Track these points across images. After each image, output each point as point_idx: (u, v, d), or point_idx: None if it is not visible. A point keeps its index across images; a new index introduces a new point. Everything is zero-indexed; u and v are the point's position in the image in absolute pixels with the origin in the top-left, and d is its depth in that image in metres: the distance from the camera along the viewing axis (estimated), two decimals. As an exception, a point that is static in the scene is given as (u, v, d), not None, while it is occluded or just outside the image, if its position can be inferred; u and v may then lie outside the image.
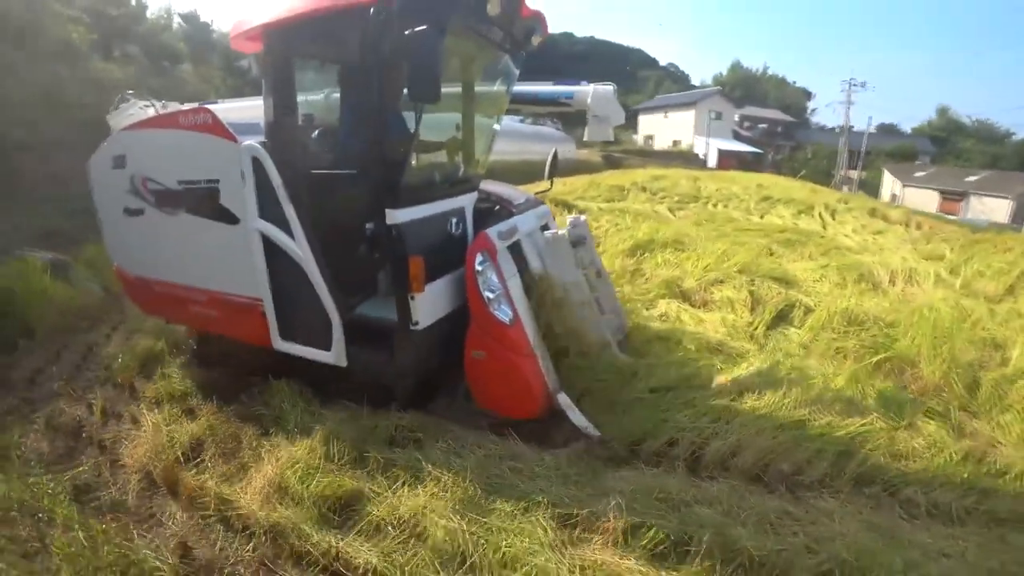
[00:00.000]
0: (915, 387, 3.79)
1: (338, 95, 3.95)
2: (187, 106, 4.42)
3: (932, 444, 3.16)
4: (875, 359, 4.01)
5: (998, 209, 33.37)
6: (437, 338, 3.46)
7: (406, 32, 2.68)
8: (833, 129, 41.33)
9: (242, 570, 2.54)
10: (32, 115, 12.10)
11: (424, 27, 2.64)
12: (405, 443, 3.21)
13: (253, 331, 3.75)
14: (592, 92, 6.09)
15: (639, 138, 50.01)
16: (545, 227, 4.32)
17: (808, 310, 5.19)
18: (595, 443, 3.18)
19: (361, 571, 2.35)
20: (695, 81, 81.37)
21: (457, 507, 2.56)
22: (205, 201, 3.63)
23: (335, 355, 3.44)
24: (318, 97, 4.25)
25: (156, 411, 3.83)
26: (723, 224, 10.77)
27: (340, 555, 2.43)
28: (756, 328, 4.83)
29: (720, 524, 2.36)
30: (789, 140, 53.40)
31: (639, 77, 78.51)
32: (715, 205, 14.02)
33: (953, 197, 35.99)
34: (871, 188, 43.27)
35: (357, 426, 3.32)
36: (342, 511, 2.71)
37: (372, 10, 2.80)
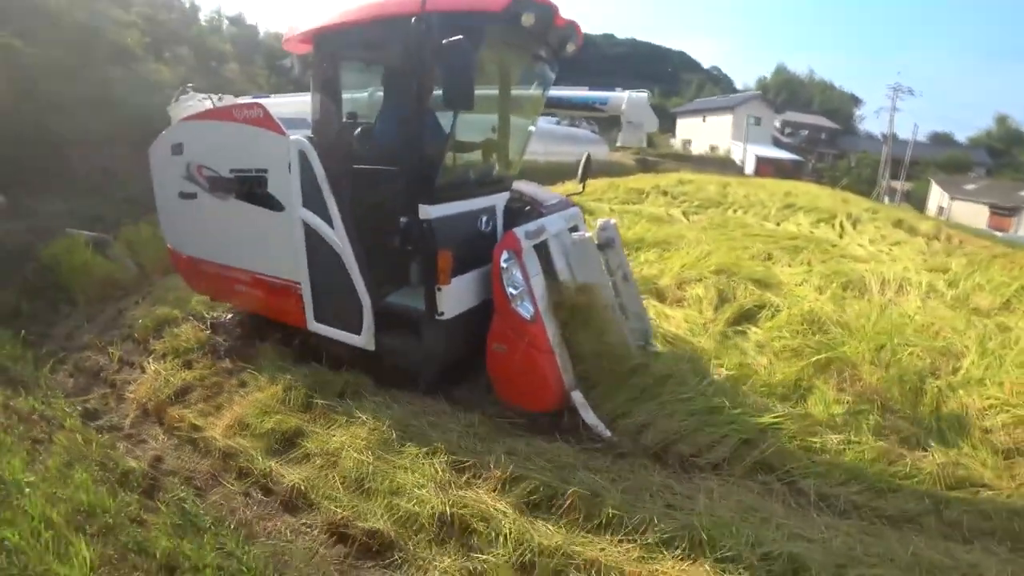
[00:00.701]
0: (853, 389, 3.83)
1: (381, 95, 4.26)
2: (241, 100, 4.93)
3: (848, 442, 3.23)
4: (816, 358, 4.06)
5: (1054, 225, 31.67)
6: (462, 329, 3.65)
7: (443, 42, 2.87)
8: (900, 140, 40.10)
9: (197, 478, 3.25)
10: (85, 113, 13.08)
11: (459, 37, 2.85)
12: (353, 396, 3.70)
13: (290, 312, 4.10)
14: (626, 98, 6.27)
15: (677, 142, 49.35)
16: (575, 228, 4.45)
17: (777, 311, 5.24)
18: (607, 442, 3.30)
19: (286, 487, 2.94)
20: (738, 85, 79.74)
21: (371, 446, 3.06)
22: (254, 189, 3.98)
23: (365, 339, 3.72)
24: (362, 96, 4.57)
25: (161, 362, 4.62)
26: (733, 229, 10.73)
27: (273, 474, 3.05)
28: (717, 325, 4.91)
29: (594, 485, 2.55)
30: (833, 148, 51.78)
31: (681, 80, 77.45)
32: (735, 211, 13.89)
33: (1004, 212, 34.24)
34: (917, 200, 41.62)
35: (314, 379, 3.85)
36: (285, 443, 3.33)
37: (413, 20, 3.00)
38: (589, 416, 3.40)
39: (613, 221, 4.64)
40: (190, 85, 6.41)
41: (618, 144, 6.15)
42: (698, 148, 45.62)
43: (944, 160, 48.04)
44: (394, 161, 3.67)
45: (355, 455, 2.98)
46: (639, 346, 4.17)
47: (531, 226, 3.83)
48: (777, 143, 45.82)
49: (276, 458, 3.18)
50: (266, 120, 3.81)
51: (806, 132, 50.95)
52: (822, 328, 4.68)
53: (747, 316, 5.23)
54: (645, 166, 35.84)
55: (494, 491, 2.68)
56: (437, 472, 2.80)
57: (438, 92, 3.17)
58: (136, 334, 5.32)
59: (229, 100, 5.40)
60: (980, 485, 3.00)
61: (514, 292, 3.46)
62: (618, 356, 3.74)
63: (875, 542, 2.44)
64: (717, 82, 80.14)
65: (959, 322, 5.19)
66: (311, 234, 3.74)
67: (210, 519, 2.69)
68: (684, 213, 12.52)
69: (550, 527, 2.45)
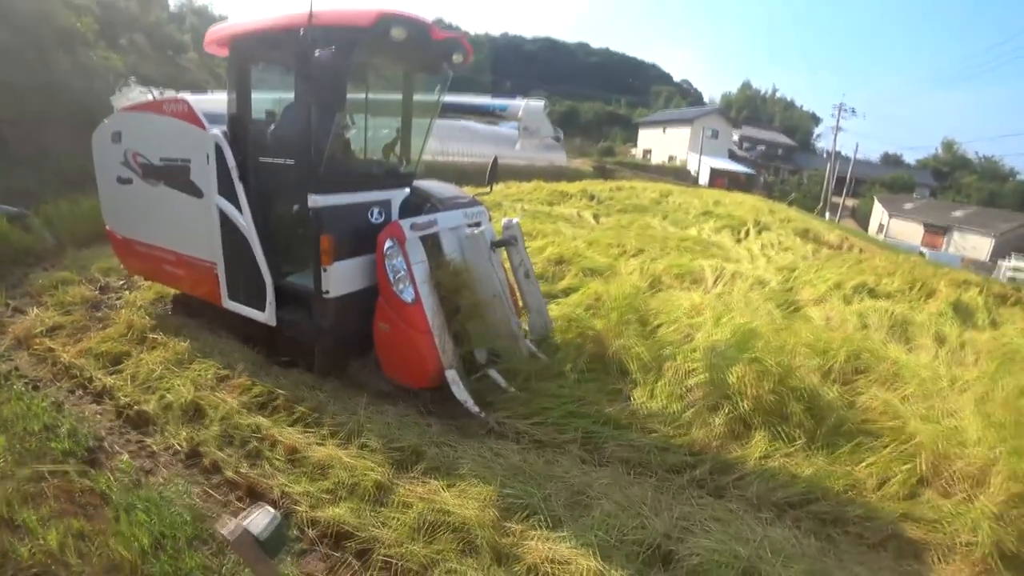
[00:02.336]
0: (590, 348, 4.50)
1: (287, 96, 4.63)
2: (170, 94, 5.51)
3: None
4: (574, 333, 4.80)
5: (980, 246, 33.63)
6: (353, 310, 4.04)
7: (316, 52, 3.43)
8: (846, 158, 41.95)
9: (41, 380, 4.29)
10: (28, 95, 13.40)
11: (331, 48, 3.42)
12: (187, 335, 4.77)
13: (209, 290, 4.54)
14: (524, 106, 6.89)
15: (638, 152, 50.72)
16: (477, 224, 4.73)
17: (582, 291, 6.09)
18: (477, 419, 3.76)
19: (99, 386, 4.13)
20: (707, 98, 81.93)
21: (167, 362, 4.35)
22: (179, 177, 4.40)
23: (267, 315, 4.18)
24: (283, 96, 4.77)
25: (44, 309, 5.45)
26: (633, 230, 11.61)
27: (94, 379, 4.21)
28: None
29: (439, 453, 3.30)
30: (789, 163, 53.73)
31: (651, 92, 79.22)
32: (655, 216, 14.82)
33: (936, 231, 36.26)
34: (862, 216, 43.63)
35: (160, 322, 5.01)
36: (114, 362, 4.47)
37: (302, 31, 3.49)
38: (460, 392, 3.80)
39: (516, 220, 4.99)
40: (132, 78, 6.96)
41: (516, 148, 6.74)
42: (658, 158, 47.02)
43: (890, 180, 50.37)
44: (291, 155, 4.02)
45: (152, 367, 4.21)
46: (532, 339, 4.64)
47: (420, 219, 4.22)
48: (733, 156, 47.44)
49: (102, 371, 4.30)
50: (190, 114, 4.22)
51: (763, 147, 52.79)
52: (602, 303, 5.41)
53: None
54: (602, 173, 36.98)
55: (234, 394, 3.88)
56: (200, 378, 4.03)
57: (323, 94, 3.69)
58: (34, 291, 5.98)
59: (170, 94, 5.96)
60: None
61: (396, 277, 3.83)
62: (506, 348, 4.28)
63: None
64: (686, 95, 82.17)
65: (744, 307, 5.99)
66: (224, 219, 4.17)
67: (31, 395, 3.89)
68: (595, 215, 13.37)
69: (262, 419, 3.59)
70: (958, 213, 37.49)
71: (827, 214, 35.04)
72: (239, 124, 4.14)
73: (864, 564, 2.72)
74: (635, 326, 4.81)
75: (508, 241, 4.78)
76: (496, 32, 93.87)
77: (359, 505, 2.88)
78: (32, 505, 2.73)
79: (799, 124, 66.47)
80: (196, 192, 4.31)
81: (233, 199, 4.11)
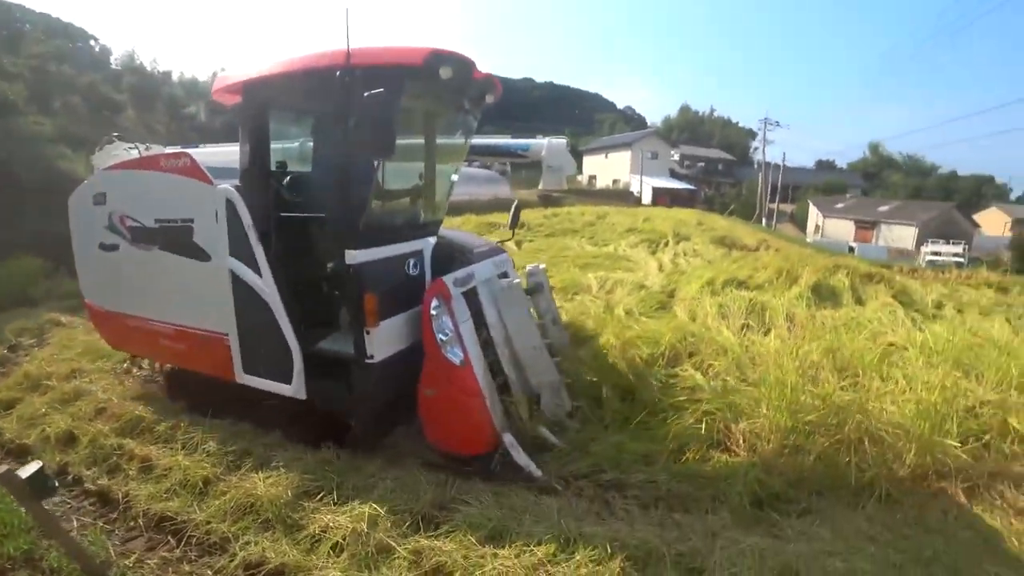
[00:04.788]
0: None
1: (311, 145, 4.45)
2: (169, 150, 5.01)
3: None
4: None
5: (906, 236, 35.47)
6: (393, 373, 3.61)
7: (364, 94, 3.04)
8: (780, 166, 44.11)
9: None
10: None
11: (380, 90, 3.02)
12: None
13: (218, 365, 3.98)
14: (547, 145, 7.24)
15: (584, 178, 52.23)
16: (504, 274, 4.55)
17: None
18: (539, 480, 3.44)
19: None
20: (650, 123, 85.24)
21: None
22: (179, 239, 3.95)
23: (295, 387, 3.65)
24: (292, 146, 4.62)
25: None
26: (552, 252, 12.10)
27: None
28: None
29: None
30: (729, 177, 56.08)
31: (596, 120, 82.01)
32: (579, 238, 15.39)
33: (866, 226, 38.15)
34: (800, 219, 45.64)
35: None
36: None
37: (339, 73, 3.16)
38: (521, 458, 3.49)
39: (542, 266, 4.87)
40: (116, 134, 6.11)
41: (540, 187, 6.89)
42: (602, 182, 48.50)
43: (824, 184, 52.98)
44: (322, 208, 3.69)
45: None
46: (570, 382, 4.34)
47: (460, 273, 3.95)
48: (674, 175, 49.34)
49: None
50: (193, 169, 3.81)
51: (703, 164, 55.10)
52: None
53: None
54: (548, 202, 37.93)
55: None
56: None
57: (362, 141, 3.27)
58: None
59: (156, 150, 5.43)
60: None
61: (444, 338, 3.51)
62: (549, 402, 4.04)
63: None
64: (630, 121, 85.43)
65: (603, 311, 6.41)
66: (238, 283, 3.71)
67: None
68: (518, 242, 13.81)
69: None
70: (884, 208, 39.58)
71: (764, 220, 36.52)
72: (254, 177, 3.71)
73: (627, 519, 3.04)
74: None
75: (535, 289, 4.61)
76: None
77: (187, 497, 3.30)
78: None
79: (737, 140, 69.67)
80: (201, 255, 3.88)
81: (250, 261, 3.66)
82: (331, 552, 2.77)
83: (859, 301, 7.42)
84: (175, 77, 49.08)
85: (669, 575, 2.54)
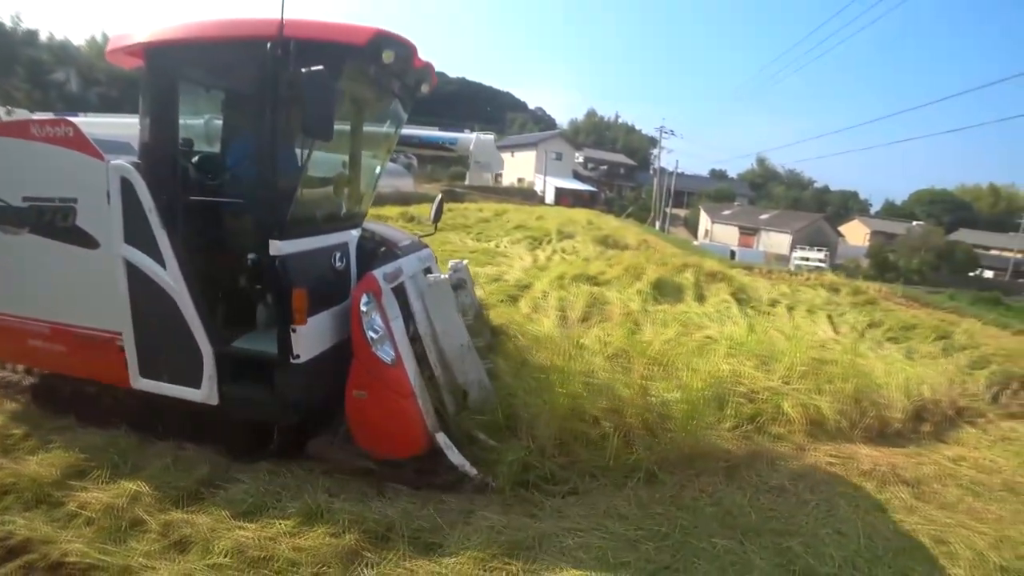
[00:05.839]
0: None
1: (219, 122, 3.96)
2: (40, 116, 3.97)
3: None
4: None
5: (782, 242, 38.84)
6: (319, 373, 3.32)
7: (302, 71, 2.72)
8: (673, 173, 46.81)
9: None
10: None
11: (320, 68, 2.70)
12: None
13: (108, 368, 3.47)
14: (474, 140, 6.65)
15: (489, 176, 52.45)
16: (428, 270, 4.36)
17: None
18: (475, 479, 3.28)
19: None
20: (559, 125, 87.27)
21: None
22: (57, 221, 3.37)
23: (205, 392, 3.26)
24: (197, 123, 4.08)
25: None
26: (432, 245, 11.80)
27: None
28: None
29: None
30: (631, 181, 58.66)
31: (507, 119, 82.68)
32: (464, 234, 15.27)
33: (748, 232, 41.35)
34: (693, 223, 48.69)
35: None
36: None
37: (269, 45, 2.81)
38: (456, 457, 3.32)
39: (465, 262, 4.65)
40: None
41: (466, 183, 6.34)
42: (508, 180, 48.89)
43: (715, 192, 56.87)
44: (239, 193, 3.37)
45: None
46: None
47: (389, 268, 3.70)
48: (578, 176, 50.75)
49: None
50: (77, 140, 3.26)
51: (605, 167, 57.18)
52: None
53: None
54: (451, 197, 37.70)
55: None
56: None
57: (292, 123, 2.98)
58: None
59: (21, 114, 4.47)
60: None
61: (374, 336, 3.28)
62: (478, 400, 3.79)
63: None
64: (539, 121, 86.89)
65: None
66: (135, 274, 3.23)
67: None
68: (404, 236, 13.50)
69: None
70: (764, 216, 43.19)
71: (656, 223, 38.42)
72: (158, 155, 3.24)
73: (392, 499, 3.09)
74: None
75: (458, 284, 4.43)
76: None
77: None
78: None
79: (639, 146, 73.04)
80: (87, 242, 3.33)
81: (150, 249, 3.18)
82: (82, 526, 2.70)
83: (700, 297, 7.81)
84: (43, 37, 43.50)
85: (401, 547, 2.60)
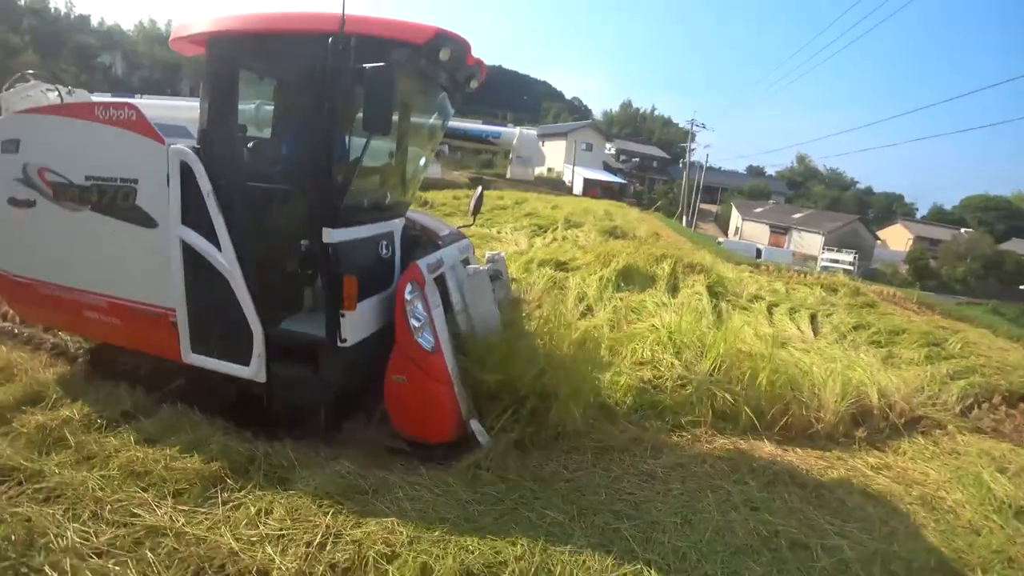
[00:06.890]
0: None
1: (270, 107, 4.14)
2: (102, 97, 4.36)
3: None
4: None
5: (814, 242, 37.64)
6: (362, 357, 3.48)
7: (366, 66, 2.82)
8: (703, 167, 45.90)
9: None
10: None
11: (383, 64, 2.82)
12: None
13: (160, 343, 3.62)
14: (518, 135, 6.87)
15: (531, 171, 52.36)
16: (466, 261, 4.50)
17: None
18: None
19: None
20: (597, 115, 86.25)
21: None
22: (118, 201, 3.52)
23: (254, 370, 3.39)
24: (249, 107, 4.21)
25: None
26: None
27: None
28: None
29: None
30: (664, 175, 57.60)
31: (542, 108, 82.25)
32: (477, 220, 15.43)
33: (779, 231, 40.20)
34: (724, 220, 47.63)
35: None
36: None
37: (330, 39, 2.90)
38: (486, 443, 3.47)
39: (502, 254, 4.80)
40: (30, 72, 5.16)
41: (507, 176, 6.58)
42: (537, 170, 48.71)
43: (749, 189, 55.39)
44: (294, 181, 3.48)
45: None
46: None
47: (432, 258, 3.86)
48: (609, 168, 50.14)
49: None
50: (140, 124, 3.39)
51: (637, 159, 56.31)
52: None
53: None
54: (477, 185, 37.96)
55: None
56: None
57: (350, 115, 3.15)
58: None
59: (81, 95, 4.71)
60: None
61: (416, 324, 3.42)
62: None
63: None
64: (575, 111, 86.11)
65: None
66: (191, 254, 3.38)
67: None
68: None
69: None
70: (797, 215, 41.93)
71: (684, 219, 37.75)
72: (216, 140, 3.38)
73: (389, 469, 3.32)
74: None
75: (495, 276, 4.53)
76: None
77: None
78: None
79: (676, 139, 71.52)
80: (145, 221, 3.47)
81: (206, 231, 3.32)
82: (17, 439, 3.27)
83: (673, 288, 7.78)
84: (95, 23, 45.63)
85: (257, 479, 3.06)
